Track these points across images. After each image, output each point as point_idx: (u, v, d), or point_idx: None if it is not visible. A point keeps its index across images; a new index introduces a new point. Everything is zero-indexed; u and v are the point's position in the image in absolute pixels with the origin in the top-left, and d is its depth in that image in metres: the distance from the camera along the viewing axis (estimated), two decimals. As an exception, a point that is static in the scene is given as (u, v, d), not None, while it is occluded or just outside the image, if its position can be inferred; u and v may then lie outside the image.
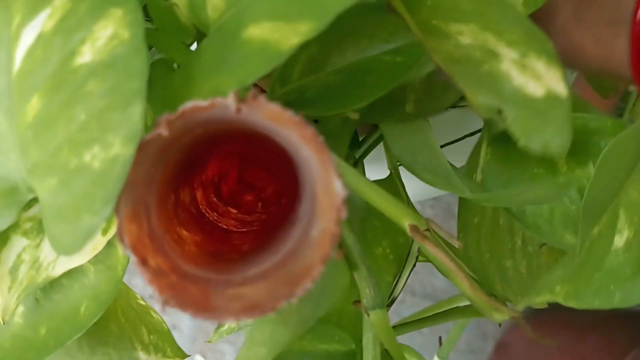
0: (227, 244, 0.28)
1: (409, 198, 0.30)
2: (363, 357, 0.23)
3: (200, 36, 0.22)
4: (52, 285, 0.24)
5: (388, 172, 0.30)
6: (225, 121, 0.19)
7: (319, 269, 0.17)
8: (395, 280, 0.26)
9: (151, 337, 0.28)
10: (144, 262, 0.18)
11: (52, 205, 0.18)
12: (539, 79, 0.19)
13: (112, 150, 0.17)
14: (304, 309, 0.22)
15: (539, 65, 0.19)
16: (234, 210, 0.30)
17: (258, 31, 0.18)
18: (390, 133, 0.24)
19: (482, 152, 0.24)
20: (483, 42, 0.19)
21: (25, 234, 0.23)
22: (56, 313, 0.24)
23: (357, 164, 0.29)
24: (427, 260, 0.24)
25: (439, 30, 0.20)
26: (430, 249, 0.23)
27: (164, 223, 0.22)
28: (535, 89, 0.20)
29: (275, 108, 0.17)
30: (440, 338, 0.40)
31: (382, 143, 0.30)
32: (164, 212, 0.22)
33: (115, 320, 0.27)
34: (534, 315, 0.76)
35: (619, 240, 0.23)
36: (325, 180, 0.18)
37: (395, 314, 0.82)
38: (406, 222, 0.23)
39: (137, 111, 0.17)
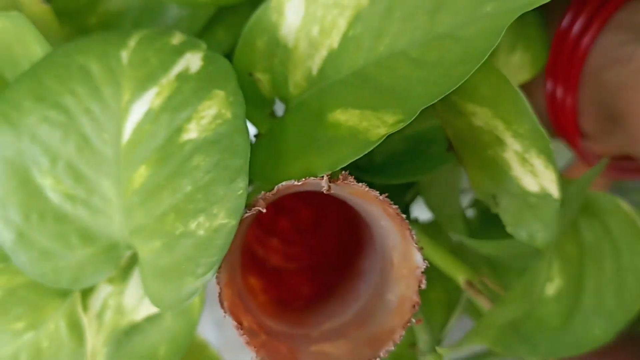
0: (284, 285, 0.29)
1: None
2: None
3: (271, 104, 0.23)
4: (133, 328, 0.25)
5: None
6: (309, 192, 0.21)
7: (401, 333, 0.19)
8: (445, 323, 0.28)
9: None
10: (240, 324, 0.19)
11: (154, 265, 0.20)
12: (535, 175, 0.21)
13: (216, 221, 0.19)
14: None
15: (538, 162, 0.21)
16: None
17: (345, 117, 0.20)
18: (429, 193, 0.25)
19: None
20: (493, 128, 0.21)
21: (110, 281, 0.25)
22: (136, 354, 0.25)
23: (407, 210, 0.30)
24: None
25: (456, 107, 0.22)
26: (483, 303, 0.24)
27: (242, 276, 0.24)
28: (530, 184, 0.21)
29: (362, 188, 0.19)
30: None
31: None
32: (243, 271, 0.24)
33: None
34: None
35: (551, 289, 0.24)
36: (405, 251, 0.20)
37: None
38: (461, 278, 0.24)
39: (240, 186, 0.19)
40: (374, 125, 0.19)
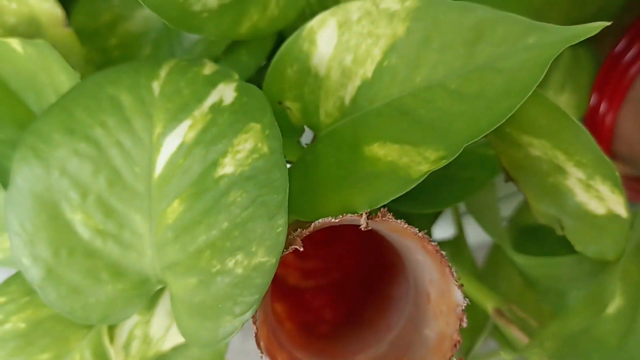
0: (306, 307, 0.29)
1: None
2: None
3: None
4: (160, 358, 0.25)
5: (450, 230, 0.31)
6: (345, 226, 0.21)
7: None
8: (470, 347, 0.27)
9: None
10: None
11: (189, 303, 0.20)
12: (601, 199, 0.21)
13: (255, 259, 0.18)
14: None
15: (604, 188, 0.21)
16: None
17: (383, 151, 0.19)
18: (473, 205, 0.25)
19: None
20: (552, 158, 0.21)
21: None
22: (163, 386, 0.25)
23: (429, 232, 0.30)
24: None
25: (510, 138, 0.21)
26: (514, 332, 0.24)
27: (271, 305, 0.23)
28: (596, 208, 0.21)
29: (401, 225, 0.18)
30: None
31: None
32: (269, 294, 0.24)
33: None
34: None
35: (611, 307, 0.24)
36: (444, 288, 0.19)
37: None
38: (490, 306, 0.24)
39: (280, 223, 0.18)
40: (415, 161, 0.18)
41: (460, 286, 0.19)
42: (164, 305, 0.25)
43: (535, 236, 0.28)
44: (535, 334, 0.23)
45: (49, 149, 0.20)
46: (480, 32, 0.19)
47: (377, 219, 0.18)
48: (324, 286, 0.31)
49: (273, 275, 0.18)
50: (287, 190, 0.19)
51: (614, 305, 0.24)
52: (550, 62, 0.17)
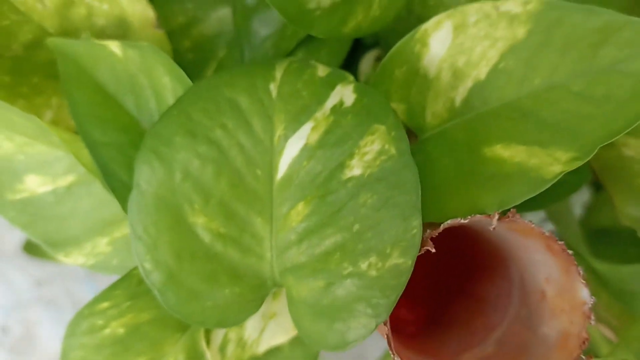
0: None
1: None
2: None
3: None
4: (253, 361, 0.25)
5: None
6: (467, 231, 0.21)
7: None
8: None
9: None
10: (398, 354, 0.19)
11: (314, 305, 0.20)
12: None
13: (390, 261, 0.18)
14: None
15: None
16: None
17: (509, 152, 0.19)
18: None
19: None
20: None
21: (232, 314, 0.24)
22: (258, 388, 0.25)
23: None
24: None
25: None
26: (603, 331, 0.24)
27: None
28: None
29: (529, 225, 0.19)
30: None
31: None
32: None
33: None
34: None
35: None
36: (566, 285, 0.20)
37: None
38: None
39: (415, 224, 0.18)
40: (545, 162, 0.19)
41: (587, 285, 0.19)
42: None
43: (609, 238, 0.29)
44: (621, 335, 0.24)
45: (170, 152, 0.20)
46: (606, 34, 0.19)
47: (506, 220, 0.19)
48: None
49: (409, 276, 0.18)
50: (419, 191, 0.19)
51: None
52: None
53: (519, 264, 0.22)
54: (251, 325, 0.25)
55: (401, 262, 0.18)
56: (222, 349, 0.24)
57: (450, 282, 0.28)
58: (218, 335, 0.24)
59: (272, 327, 0.25)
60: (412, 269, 0.18)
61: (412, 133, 0.23)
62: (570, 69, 0.20)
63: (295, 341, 0.25)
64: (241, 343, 0.24)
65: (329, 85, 0.20)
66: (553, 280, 0.20)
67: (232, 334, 0.24)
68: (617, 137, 0.18)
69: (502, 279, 0.24)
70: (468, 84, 0.21)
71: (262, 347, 0.25)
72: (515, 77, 0.20)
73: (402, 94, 0.22)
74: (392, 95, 0.22)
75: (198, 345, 0.24)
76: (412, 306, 0.29)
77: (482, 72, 0.21)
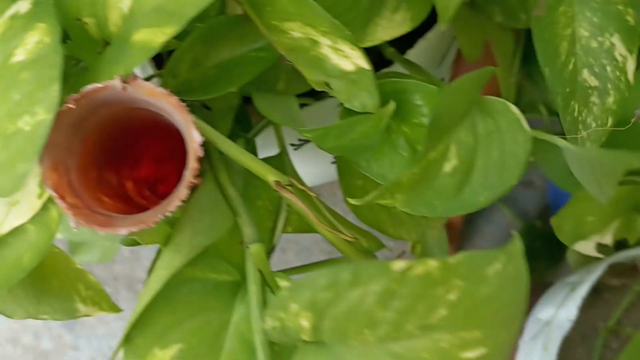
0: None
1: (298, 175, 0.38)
2: (247, 284, 0.30)
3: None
4: (1, 242, 0.30)
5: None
6: (119, 102, 0.27)
7: (185, 192, 0.25)
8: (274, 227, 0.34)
9: (88, 292, 0.35)
10: (62, 198, 0.25)
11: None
12: (348, 58, 0.28)
13: (37, 117, 0.24)
14: (193, 240, 0.29)
15: (346, 48, 0.27)
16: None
17: (140, 36, 0.26)
18: (261, 99, 0.32)
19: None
20: (307, 34, 0.27)
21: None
22: (4, 263, 0.30)
23: (249, 142, 0.36)
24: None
25: (277, 28, 0.28)
26: (291, 198, 0.30)
27: (86, 187, 0.29)
28: (347, 65, 0.28)
29: (150, 85, 0.25)
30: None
31: (272, 128, 0.38)
32: (85, 179, 0.29)
33: (57, 278, 0.34)
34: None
35: (448, 167, 0.31)
36: (188, 132, 0.26)
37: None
38: (271, 179, 0.30)
39: (55, 89, 0.24)
40: (157, 36, 0.25)
41: (198, 126, 0.25)
42: None
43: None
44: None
45: None
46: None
47: (131, 82, 0.25)
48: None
49: (50, 130, 0.24)
50: (61, 67, 0.25)
51: (450, 165, 0.31)
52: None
53: (180, 130, 0.28)
54: (-3, 212, 0.30)
55: (45, 117, 0.24)
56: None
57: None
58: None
59: (15, 211, 0.30)
60: (53, 123, 0.24)
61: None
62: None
63: (37, 224, 0.31)
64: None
65: (12, 1, 0.27)
66: (186, 132, 0.26)
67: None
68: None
69: (171, 137, 0.30)
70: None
71: (6, 228, 0.30)
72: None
73: (90, 10, 0.29)
74: (82, 11, 0.29)
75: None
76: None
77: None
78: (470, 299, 0.20)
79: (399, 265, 0.20)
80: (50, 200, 0.29)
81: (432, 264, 0.20)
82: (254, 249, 0.30)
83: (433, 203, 0.30)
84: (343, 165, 0.36)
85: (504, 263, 0.21)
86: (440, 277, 0.20)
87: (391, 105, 0.29)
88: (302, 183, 0.32)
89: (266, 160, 0.38)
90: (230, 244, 0.32)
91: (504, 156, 0.31)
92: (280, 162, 0.38)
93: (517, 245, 0.21)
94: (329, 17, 0.27)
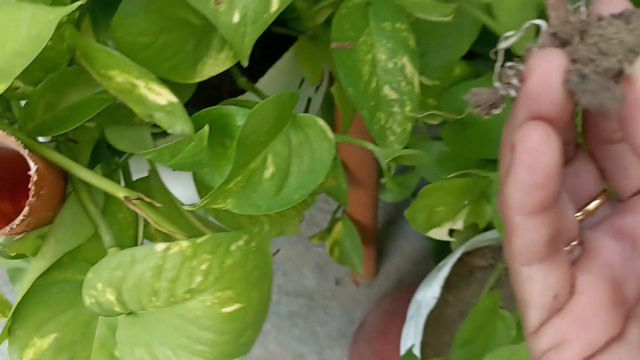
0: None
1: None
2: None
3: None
4: None
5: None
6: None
7: (26, 209, 0.32)
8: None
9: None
10: None
11: None
12: (160, 95, 0.35)
13: None
14: (56, 249, 0.36)
15: (156, 87, 0.35)
16: None
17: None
18: (112, 131, 0.39)
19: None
20: (127, 79, 0.35)
21: None
22: None
23: (117, 168, 0.44)
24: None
25: (105, 75, 0.36)
26: (134, 209, 0.37)
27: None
28: (161, 100, 0.35)
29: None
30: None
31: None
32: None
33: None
34: (391, 295, 0.91)
35: (267, 173, 0.38)
36: (28, 162, 0.33)
37: (275, 314, 0.96)
38: (121, 195, 0.38)
39: None
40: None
41: (31, 155, 0.32)
42: None
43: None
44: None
45: None
46: None
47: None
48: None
49: None
50: None
51: (269, 172, 0.38)
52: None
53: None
54: None
55: None
56: None
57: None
58: None
59: None
60: None
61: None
62: None
63: None
64: None
65: None
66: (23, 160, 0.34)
67: None
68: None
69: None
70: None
71: None
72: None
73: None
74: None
75: None
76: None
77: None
78: (218, 268, 0.28)
79: (160, 246, 0.27)
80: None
81: (184, 243, 0.27)
82: (111, 252, 0.37)
83: (258, 204, 0.38)
84: (198, 180, 0.44)
85: (246, 240, 0.28)
86: (192, 253, 0.27)
87: (205, 129, 0.36)
88: (166, 197, 0.40)
89: (138, 180, 0.46)
90: (96, 251, 0.39)
91: (314, 161, 0.39)
92: (147, 182, 0.46)
93: (261, 227, 0.28)
94: (136, 65, 0.34)
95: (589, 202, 0.25)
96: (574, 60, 0.19)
